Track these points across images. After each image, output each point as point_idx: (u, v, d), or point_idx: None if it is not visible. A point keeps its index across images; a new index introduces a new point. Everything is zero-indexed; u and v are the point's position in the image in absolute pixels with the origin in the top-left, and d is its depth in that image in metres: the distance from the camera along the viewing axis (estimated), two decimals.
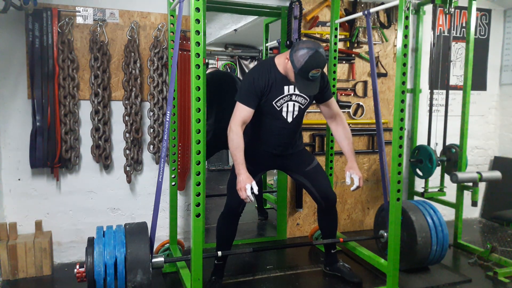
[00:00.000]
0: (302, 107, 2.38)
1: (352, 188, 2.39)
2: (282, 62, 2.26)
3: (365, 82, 3.52)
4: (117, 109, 2.86)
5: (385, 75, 3.56)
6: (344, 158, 3.51)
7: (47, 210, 2.80)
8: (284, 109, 2.33)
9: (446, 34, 3.71)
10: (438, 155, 3.38)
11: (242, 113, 2.21)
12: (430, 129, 3.53)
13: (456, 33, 3.84)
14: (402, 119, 2.31)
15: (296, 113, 2.37)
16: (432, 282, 2.64)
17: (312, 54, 2.09)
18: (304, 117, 2.50)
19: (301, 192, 3.40)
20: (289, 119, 2.36)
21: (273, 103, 2.30)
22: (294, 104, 2.34)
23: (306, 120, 3.34)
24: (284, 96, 2.30)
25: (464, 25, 3.85)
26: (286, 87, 2.29)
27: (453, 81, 3.85)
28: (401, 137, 2.31)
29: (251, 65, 6.38)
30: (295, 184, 3.40)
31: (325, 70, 3.34)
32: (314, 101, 2.44)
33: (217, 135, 3.30)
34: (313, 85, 2.20)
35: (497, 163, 4.11)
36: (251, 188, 2.10)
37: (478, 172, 2.99)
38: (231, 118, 2.22)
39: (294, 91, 2.31)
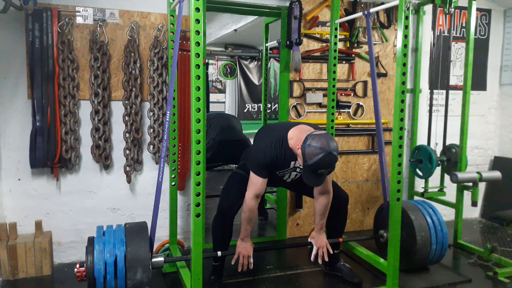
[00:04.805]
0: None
1: (311, 258, 2.50)
2: (294, 144, 2.23)
3: (365, 82, 3.52)
4: (117, 109, 2.86)
5: (385, 75, 3.56)
6: (344, 157, 3.51)
7: (47, 210, 2.80)
8: (286, 176, 2.46)
9: (446, 34, 3.71)
10: (438, 155, 3.38)
11: (258, 185, 2.31)
12: (430, 129, 3.53)
13: (456, 33, 3.84)
14: (402, 119, 2.31)
15: (296, 178, 2.49)
16: (432, 282, 2.65)
17: (325, 156, 2.04)
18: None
19: None
20: (288, 181, 2.51)
21: (277, 172, 2.39)
22: (296, 173, 2.44)
23: (306, 121, 3.34)
24: (289, 169, 2.38)
25: (464, 25, 3.85)
26: (292, 162, 2.35)
27: (453, 81, 3.85)
28: (401, 137, 2.32)
29: (251, 65, 6.38)
30: None
31: (324, 70, 3.37)
32: None
33: (217, 152, 3.50)
34: (320, 179, 2.19)
35: (497, 163, 4.11)
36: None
37: (478, 172, 2.99)
38: (248, 188, 2.32)
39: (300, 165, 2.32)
